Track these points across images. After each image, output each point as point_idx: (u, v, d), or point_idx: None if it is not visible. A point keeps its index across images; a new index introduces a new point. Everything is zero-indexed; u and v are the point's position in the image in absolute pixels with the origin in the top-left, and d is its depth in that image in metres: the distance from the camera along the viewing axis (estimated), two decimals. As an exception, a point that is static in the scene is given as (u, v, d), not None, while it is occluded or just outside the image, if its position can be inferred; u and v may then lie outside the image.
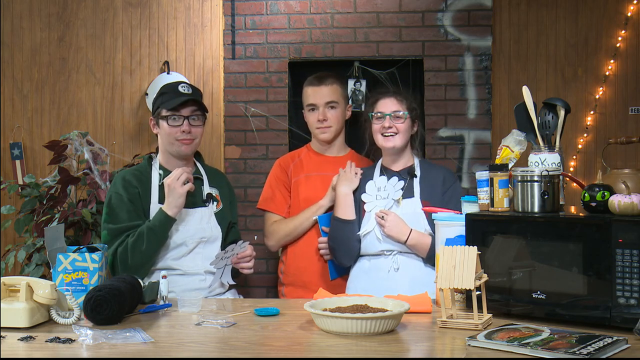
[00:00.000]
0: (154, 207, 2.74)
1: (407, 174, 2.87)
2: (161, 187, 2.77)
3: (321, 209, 3.05)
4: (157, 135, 2.87)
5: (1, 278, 2.18)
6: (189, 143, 2.79)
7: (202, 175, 2.89)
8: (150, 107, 4.11)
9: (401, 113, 2.83)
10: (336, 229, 2.87)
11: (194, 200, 2.80)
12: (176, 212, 2.68)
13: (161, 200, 2.75)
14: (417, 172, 2.88)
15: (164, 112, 2.77)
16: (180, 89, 2.78)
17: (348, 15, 4.09)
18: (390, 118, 2.83)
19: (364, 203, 2.87)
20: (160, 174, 2.80)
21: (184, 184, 2.70)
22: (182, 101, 2.75)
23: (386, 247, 2.78)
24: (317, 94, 3.15)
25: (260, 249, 3.98)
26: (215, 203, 2.87)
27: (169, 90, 2.81)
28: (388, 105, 2.86)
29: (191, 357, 1.85)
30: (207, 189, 2.86)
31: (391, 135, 2.84)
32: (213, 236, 2.81)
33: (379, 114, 2.86)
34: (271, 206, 3.19)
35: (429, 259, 2.74)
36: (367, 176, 2.93)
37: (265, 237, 3.22)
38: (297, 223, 3.10)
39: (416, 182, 2.86)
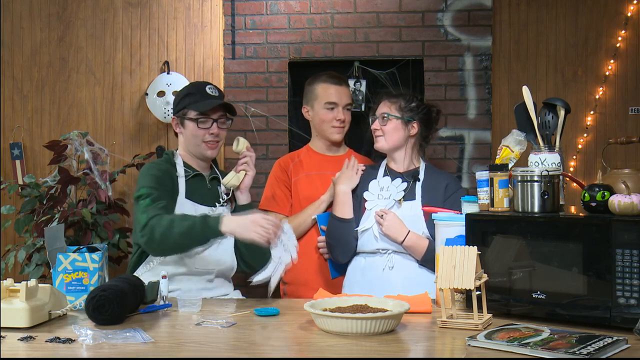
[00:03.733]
0: (181, 200, 2.71)
1: (411, 177, 2.88)
2: (187, 182, 2.75)
3: (323, 204, 3.07)
4: (176, 134, 2.85)
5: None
6: (214, 147, 2.77)
7: (218, 175, 2.88)
8: (150, 107, 4.12)
9: (386, 115, 2.85)
10: (333, 227, 2.90)
11: (211, 200, 2.80)
12: (228, 233, 2.50)
13: (188, 195, 2.72)
14: (421, 175, 2.88)
15: (193, 114, 2.74)
16: (209, 90, 2.76)
17: (348, 15, 4.09)
18: (378, 120, 2.87)
19: (366, 201, 2.88)
20: (185, 170, 2.77)
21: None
22: (214, 105, 2.73)
23: (382, 245, 2.79)
24: (339, 94, 3.17)
25: (260, 249, 3.98)
26: (229, 204, 2.87)
27: (197, 92, 2.77)
28: (380, 107, 2.91)
29: (191, 357, 1.85)
30: (224, 189, 2.85)
31: (378, 137, 2.87)
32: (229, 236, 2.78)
33: (372, 117, 2.91)
34: (273, 206, 3.20)
35: (424, 261, 2.74)
36: (371, 175, 2.94)
37: (270, 236, 3.23)
38: (300, 220, 3.11)
39: (419, 185, 2.87)
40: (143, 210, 2.54)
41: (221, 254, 2.77)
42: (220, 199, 2.79)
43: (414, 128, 2.89)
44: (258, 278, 2.59)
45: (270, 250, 2.67)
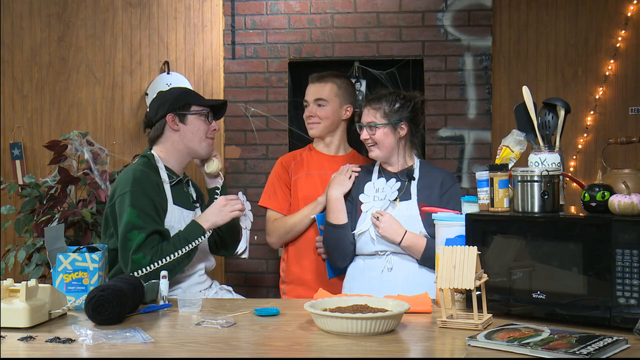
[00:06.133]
0: (171, 207, 2.72)
1: (406, 176, 2.86)
2: (173, 187, 2.76)
3: (319, 206, 3.06)
4: (160, 133, 2.83)
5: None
6: (212, 143, 2.88)
7: (188, 177, 2.92)
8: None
9: (373, 124, 2.81)
10: (328, 233, 2.88)
11: (189, 203, 2.83)
12: (211, 226, 2.71)
13: (175, 201, 2.75)
14: (416, 174, 2.87)
15: (198, 108, 2.80)
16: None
17: (348, 15, 4.09)
18: (366, 129, 2.83)
19: (362, 203, 2.87)
20: (169, 175, 2.78)
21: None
22: (220, 102, 2.91)
23: (380, 247, 2.78)
24: (310, 91, 3.22)
25: (261, 249, 3.99)
26: (201, 203, 2.93)
27: (191, 91, 2.91)
28: (365, 116, 2.85)
29: (191, 357, 1.85)
30: (191, 191, 2.90)
31: (371, 146, 2.84)
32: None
33: (360, 125, 2.87)
34: (272, 204, 3.20)
35: (424, 260, 2.73)
36: (366, 177, 2.92)
37: (267, 235, 3.23)
38: (296, 220, 3.11)
39: (414, 184, 2.85)
40: (137, 247, 2.55)
41: (204, 253, 2.85)
42: (215, 198, 2.88)
43: (403, 129, 2.84)
44: (241, 250, 2.88)
45: (239, 224, 2.95)
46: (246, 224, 2.87)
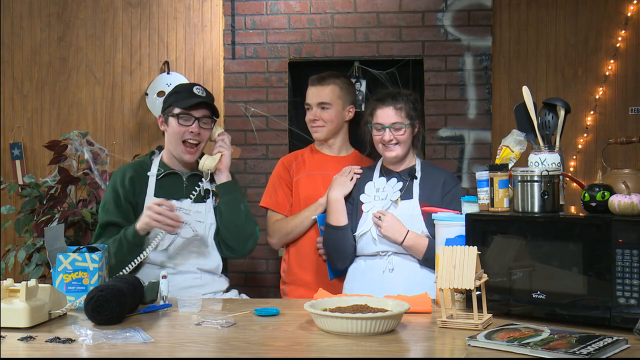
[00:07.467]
0: (150, 200, 2.73)
1: (408, 175, 2.86)
2: (159, 180, 2.79)
3: (320, 207, 3.05)
4: (163, 133, 2.88)
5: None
6: (193, 151, 2.79)
7: (199, 172, 2.89)
8: (150, 107, 4.12)
9: (400, 125, 2.79)
10: (328, 234, 2.87)
11: (197, 194, 2.80)
12: (143, 228, 2.63)
13: (157, 194, 2.76)
14: (418, 173, 2.87)
15: (176, 110, 2.77)
16: (195, 90, 2.80)
17: (348, 15, 4.09)
18: (390, 130, 2.80)
19: (362, 203, 2.86)
20: (159, 169, 2.81)
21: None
22: (196, 102, 2.76)
23: (382, 248, 2.77)
24: (312, 94, 3.18)
25: (261, 249, 3.99)
26: (214, 197, 2.87)
27: (183, 90, 2.82)
28: (386, 116, 2.80)
29: (191, 357, 1.85)
30: (206, 185, 2.86)
31: (393, 145, 2.81)
32: (209, 230, 2.81)
33: (378, 126, 2.81)
34: (273, 204, 3.20)
35: (425, 260, 2.73)
36: (366, 177, 2.92)
37: (268, 236, 3.23)
38: (297, 221, 3.10)
39: (416, 183, 2.85)
40: (95, 235, 2.81)
41: (201, 250, 2.79)
42: (192, 194, 2.77)
43: (416, 128, 2.88)
44: (151, 248, 2.63)
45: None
46: (184, 232, 2.74)
